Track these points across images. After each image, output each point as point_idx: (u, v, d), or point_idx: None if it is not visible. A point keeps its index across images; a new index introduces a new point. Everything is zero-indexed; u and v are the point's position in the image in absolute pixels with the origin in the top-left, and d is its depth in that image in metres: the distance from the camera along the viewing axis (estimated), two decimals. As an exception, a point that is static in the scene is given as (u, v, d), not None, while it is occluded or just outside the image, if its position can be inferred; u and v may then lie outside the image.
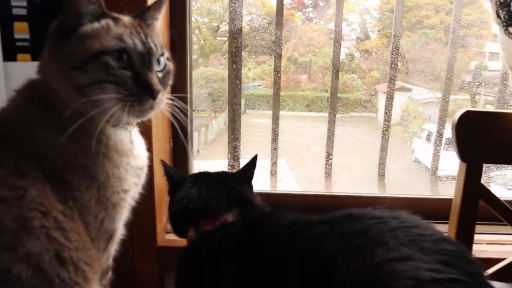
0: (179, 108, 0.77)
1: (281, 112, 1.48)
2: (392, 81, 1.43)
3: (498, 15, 0.92)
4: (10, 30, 0.93)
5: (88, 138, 0.68)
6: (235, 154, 1.44)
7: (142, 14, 0.76)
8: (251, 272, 0.77)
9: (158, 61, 0.72)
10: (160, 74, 0.72)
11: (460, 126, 0.97)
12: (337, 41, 1.39)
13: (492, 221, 1.19)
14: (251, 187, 0.98)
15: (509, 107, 1.42)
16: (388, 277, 0.63)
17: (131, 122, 0.76)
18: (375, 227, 0.74)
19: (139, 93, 0.67)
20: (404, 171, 1.96)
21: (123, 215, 0.76)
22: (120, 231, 0.77)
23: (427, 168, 1.92)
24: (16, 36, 0.94)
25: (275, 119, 1.46)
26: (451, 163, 1.50)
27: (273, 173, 1.51)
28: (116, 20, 0.70)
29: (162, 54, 0.73)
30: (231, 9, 1.31)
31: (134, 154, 0.76)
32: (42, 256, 0.59)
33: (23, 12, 0.93)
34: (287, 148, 1.55)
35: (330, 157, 1.51)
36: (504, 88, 1.40)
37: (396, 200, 1.36)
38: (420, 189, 1.64)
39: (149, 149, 0.86)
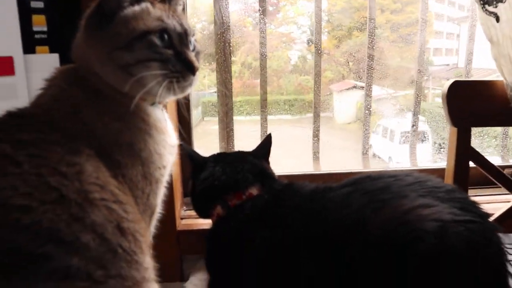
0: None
1: (238, 118, 1.47)
2: (370, 72, 1.50)
3: (476, -6, 1.04)
4: (28, 23, 0.94)
5: (131, 116, 0.71)
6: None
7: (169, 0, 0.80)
8: (284, 236, 0.82)
9: (190, 42, 0.77)
10: (193, 53, 0.76)
11: (449, 95, 1.08)
12: (318, 45, 1.45)
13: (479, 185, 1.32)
14: (268, 163, 1.03)
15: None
16: (416, 221, 0.71)
17: (162, 101, 0.80)
18: (394, 184, 0.82)
19: (182, 70, 0.71)
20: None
21: (162, 191, 0.79)
22: (159, 207, 0.80)
23: (385, 162, 2.00)
24: (35, 28, 0.95)
25: (264, 121, 1.47)
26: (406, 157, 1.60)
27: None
28: (152, 3, 0.73)
29: (193, 35, 0.77)
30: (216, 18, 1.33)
31: (168, 132, 0.80)
32: (105, 227, 0.61)
33: (40, 5, 0.95)
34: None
35: (317, 154, 1.54)
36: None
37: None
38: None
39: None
